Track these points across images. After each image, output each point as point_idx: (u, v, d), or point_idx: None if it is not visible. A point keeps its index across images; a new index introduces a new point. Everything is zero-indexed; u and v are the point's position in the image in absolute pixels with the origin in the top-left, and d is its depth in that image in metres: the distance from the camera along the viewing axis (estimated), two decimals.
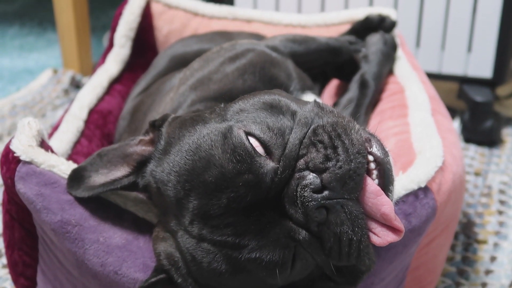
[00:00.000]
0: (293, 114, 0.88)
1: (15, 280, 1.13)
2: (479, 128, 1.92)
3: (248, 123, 0.86)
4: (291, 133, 0.85)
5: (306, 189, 0.80)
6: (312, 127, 0.86)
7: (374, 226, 0.82)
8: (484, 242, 1.46)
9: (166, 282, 0.88)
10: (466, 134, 1.95)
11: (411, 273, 1.08)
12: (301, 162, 0.83)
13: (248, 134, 0.84)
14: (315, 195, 0.80)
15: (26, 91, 2.32)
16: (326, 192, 0.80)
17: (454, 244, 1.44)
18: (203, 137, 0.86)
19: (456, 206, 1.13)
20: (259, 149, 0.84)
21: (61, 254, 1.00)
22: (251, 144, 0.83)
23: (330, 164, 0.81)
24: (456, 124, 2.00)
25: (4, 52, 2.79)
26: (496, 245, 1.45)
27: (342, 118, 0.87)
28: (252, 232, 0.81)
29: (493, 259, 1.40)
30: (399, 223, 0.81)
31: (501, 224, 1.52)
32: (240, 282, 0.85)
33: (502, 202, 1.61)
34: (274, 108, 0.89)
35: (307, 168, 0.82)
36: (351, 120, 0.87)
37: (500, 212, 1.57)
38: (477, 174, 1.75)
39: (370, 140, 0.86)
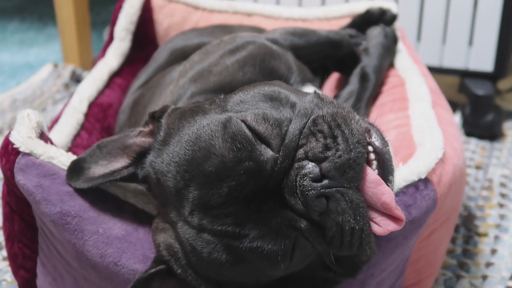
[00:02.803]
0: (293, 105, 0.88)
1: (15, 272, 1.13)
2: (480, 121, 1.91)
3: (247, 114, 0.86)
4: (290, 124, 0.85)
5: (305, 178, 0.80)
6: (312, 117, 0.86)
7: (375, 216, 0.82)
8: (484, 235, 1.45)
9: (165, 273, 0.88)
10: (467, 127, 1.95)
11: (411, 265, 1.07)
12: (301, 152, 0.83)
13: (246, 125, 0.84)
14: (314, 184, 0.80)
15: (27, 86, 2.32)
16: (325, 181, 0.80)
17: (454, 237, 1.44)
18: (203, 127, 0.86)
19: (457, 199, 1.12)
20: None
21: (60, 245, 1.00)
22: (251, 132, 0.83)
23: (329, 153, 0.81)
24: (457, 118, 2.00)
25: (4, 47, 2.79)
26: (496, 238, 1.44)
27: (342, 109, 0.87)
28: (253, 221, 0.81)
29: (493, 251, 1.40)
30: (399, 212, 0.81)
31: (501, 217, 1.52)
32: (240, 272, 0.85)
33: (503, 195, 1.61)
34: (274, 100, 0.89)
35: (306, 157, 0.82)
36: (351, 111, 0.87)
37: (501, 205, 1.57)
38: (478, 167, 1.75)
39: (369, 130, 0.86)
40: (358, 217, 0.81)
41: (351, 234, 0.81)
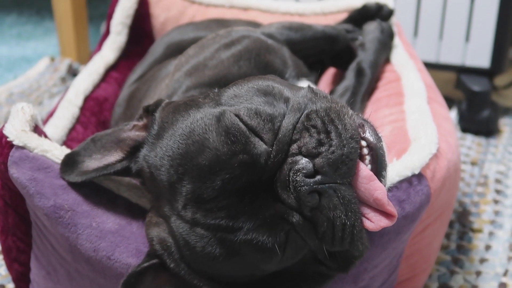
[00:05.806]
0: (287, 99, 0.88)
1: (9, 265, 1.13)
2: (476, 118, 1.91)
3: (241, 109, 0.86)
4: (284, 119, 0.85)
5: (298, 173, 0.80)
6: (305, 112, 0.86)
7: (367, 211, 0.82)
8: (479, 231, 1.46)
9: (158, 267, 0.88)
10: (463, 123, 1.95)
11: (404, 261, 1.07)
12: (294, 147, 0.83)
13: (240, 119, 0.84)
14: (307, 180, 0.80)
15: (23, 79, 2.32)
16: (318, 177, 0.80)
17: (449, 233, 1.44)
18: (197, 121, 0.86)
19: (451, 194, 1.12)
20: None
21: (54, 239, 1.00)
22: (245, 126, 0.83)
23: (323, 149, 0.81)
24: (453, 114, 2.00)
25: (2, 40, 2.78)
26: (491, 234, 1.45)
27: (336, 103, 0.87)
28: (246, 214, 0.81)
29: (488, 247, 1.40)
30: (392, 208, 0.81)
31: (496, 213, 1.52)
32: (233, 266, 0.85)
33: (498, 192, 1.61)
34: (268, 94, 0.89)
35: (300, 153, 0.82)
36: (345, 106, 0.87)
37: (496, 202, 1.57)
38: (473, 163, 1.75)
39: (363, 125, 0.86)
40: (349, 213, 0.81)
41: (342, 229, 0.81)
